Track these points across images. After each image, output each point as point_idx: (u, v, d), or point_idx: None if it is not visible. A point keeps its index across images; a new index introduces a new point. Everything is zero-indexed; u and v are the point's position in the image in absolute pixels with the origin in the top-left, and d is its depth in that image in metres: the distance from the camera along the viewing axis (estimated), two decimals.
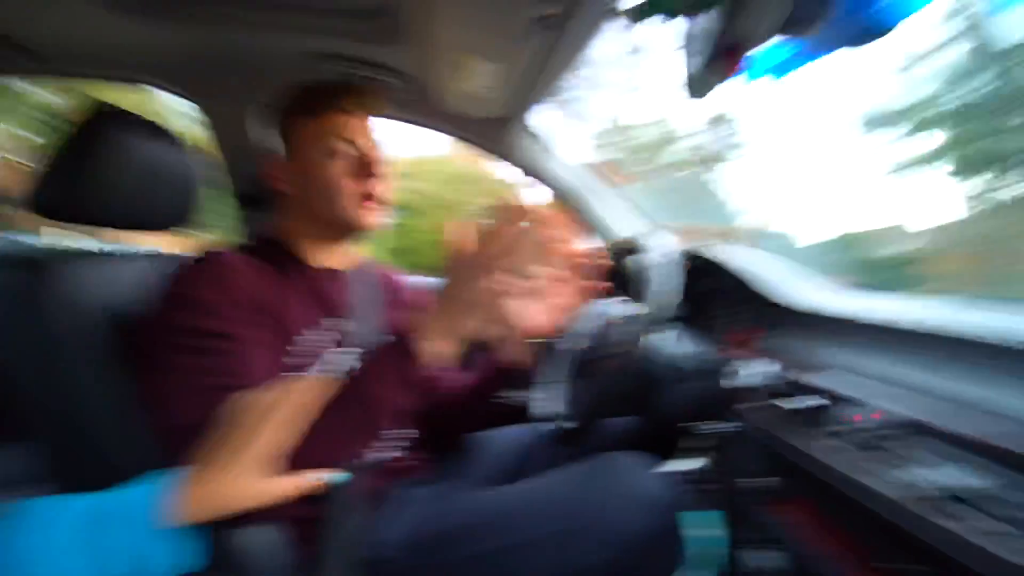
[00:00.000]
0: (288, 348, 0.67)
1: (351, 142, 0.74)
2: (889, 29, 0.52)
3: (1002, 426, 0.42)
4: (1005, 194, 2.40)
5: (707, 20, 0.55)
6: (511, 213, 0.53)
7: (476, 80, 0.90)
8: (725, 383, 0.67)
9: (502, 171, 1.41)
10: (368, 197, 0.75)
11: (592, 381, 0.68)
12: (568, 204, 1.26)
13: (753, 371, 0.65)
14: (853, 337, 0.66)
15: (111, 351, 0.64)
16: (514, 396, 0.77)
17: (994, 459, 0.39)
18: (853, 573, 0.52)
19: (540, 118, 1.16)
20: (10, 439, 0.65)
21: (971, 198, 2.56)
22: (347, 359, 0.61)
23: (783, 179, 6.36)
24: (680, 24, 0.60)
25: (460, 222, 0.55)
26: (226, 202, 1.17)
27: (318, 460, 0.51)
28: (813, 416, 0.56)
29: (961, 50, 2.44)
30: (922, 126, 2.73)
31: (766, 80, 0.60)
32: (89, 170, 0.66)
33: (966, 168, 2.63)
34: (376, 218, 0.76)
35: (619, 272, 0.93)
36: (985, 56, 2.34)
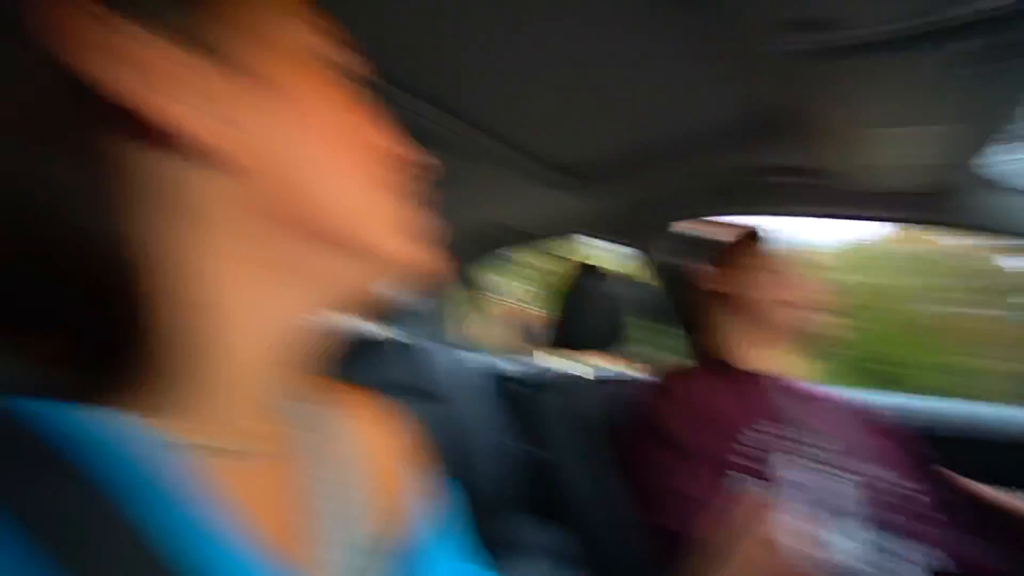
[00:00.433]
0: (735, 447, 0.72)
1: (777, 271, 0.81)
2: None
3: None
4: None
5: None
6: None
7: (891, 152, 0.75)
8: None
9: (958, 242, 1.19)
10: (798, 305, 0.80)
11: None
12: None
13: None
14: None
15: (606, 460, 0.82)
16: None
17: None
18: None
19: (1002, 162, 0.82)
20: (554, 521, 0.85)
21: None
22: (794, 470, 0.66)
23: None
24: None
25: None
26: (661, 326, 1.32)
27: None
28: None
29: None
30: None
31: None
32: (580, 311, 0.89)
33: None
34: (817, 326, 0.80)
35: None
36: None
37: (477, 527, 0.45)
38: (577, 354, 0.95)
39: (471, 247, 1.39)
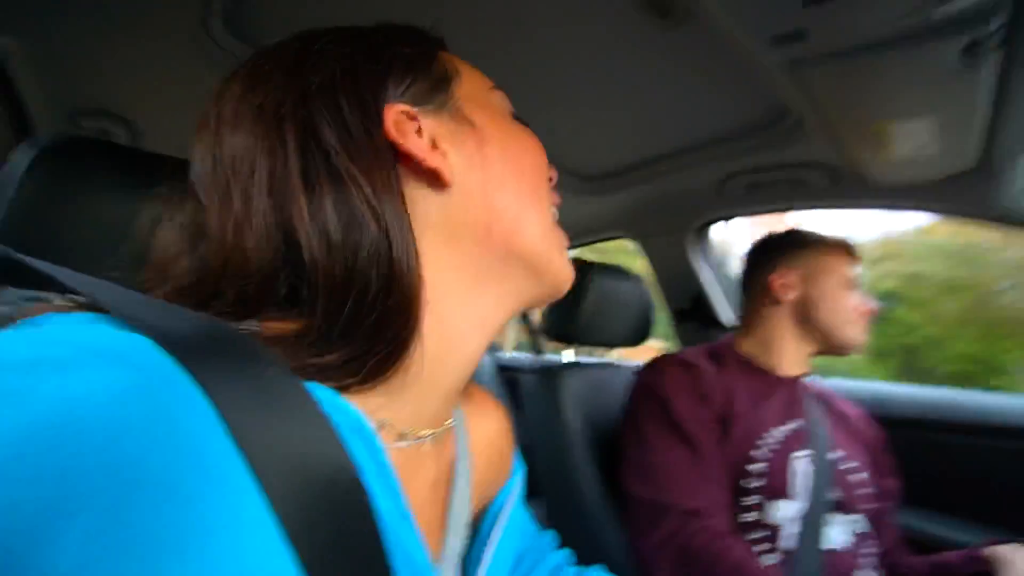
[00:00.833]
0: (755, 443, 0.74)
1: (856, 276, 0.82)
2: None
3: None
4: None
5: None
6: None
7: (907, 143, 0.75)
8: None
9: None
10: (866, 315, 0.81)
11: None
12: None
13: None
14: None
15: (598, 445, 0.88)
16: None
17: None
18: None
19: None
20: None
21: None
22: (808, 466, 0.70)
23: None
24: None
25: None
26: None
27: None
28: None
29: None
30: None
31: None
32: (579, 307, 0.93)
33: None
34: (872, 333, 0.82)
35: None
36: None
37: None
38: (585, 347, 1.00)
39: None
